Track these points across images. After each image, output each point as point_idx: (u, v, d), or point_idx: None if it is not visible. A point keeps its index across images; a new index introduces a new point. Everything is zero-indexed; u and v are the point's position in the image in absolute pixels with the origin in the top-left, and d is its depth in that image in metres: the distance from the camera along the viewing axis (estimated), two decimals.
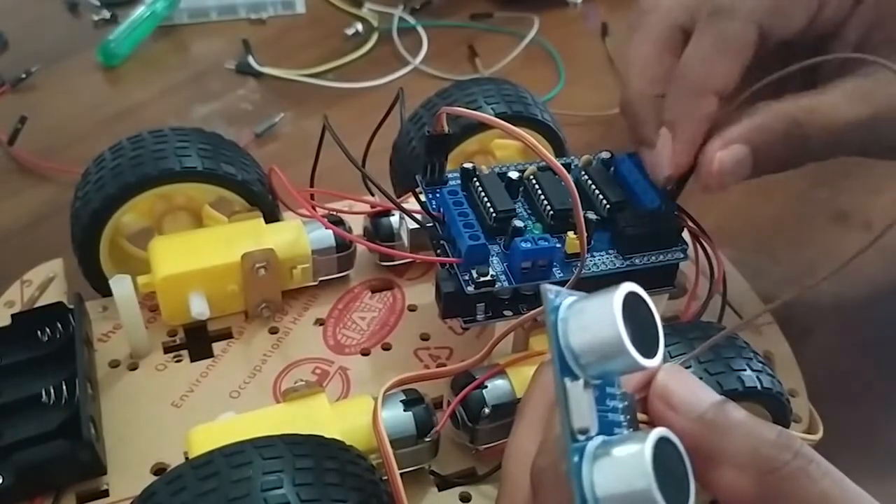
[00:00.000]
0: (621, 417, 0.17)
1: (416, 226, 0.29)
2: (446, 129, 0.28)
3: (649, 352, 0.16)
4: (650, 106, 0.28)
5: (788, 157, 0.27)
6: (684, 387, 0.18)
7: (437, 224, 0.28)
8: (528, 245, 0.26)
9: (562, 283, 0.25)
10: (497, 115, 0.31)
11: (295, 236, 0.31)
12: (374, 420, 0.24)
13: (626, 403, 0.17)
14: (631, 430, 0.17)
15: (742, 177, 0.27)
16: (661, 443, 0.16)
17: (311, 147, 0.33)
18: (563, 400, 0.16)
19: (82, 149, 0.38)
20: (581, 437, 0.16)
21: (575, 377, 0.16)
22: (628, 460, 0.16)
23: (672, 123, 0.27)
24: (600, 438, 0.16)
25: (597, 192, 0.29)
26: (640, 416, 0.18)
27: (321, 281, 0.32)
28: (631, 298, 0.16)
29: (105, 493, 0.26)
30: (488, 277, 0.26)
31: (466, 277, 0.26)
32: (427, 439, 0.25)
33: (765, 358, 0.27)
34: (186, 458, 0.23)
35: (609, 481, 0.16)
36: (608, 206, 0.28)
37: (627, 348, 0.16)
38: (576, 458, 0.16)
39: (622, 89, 0.29)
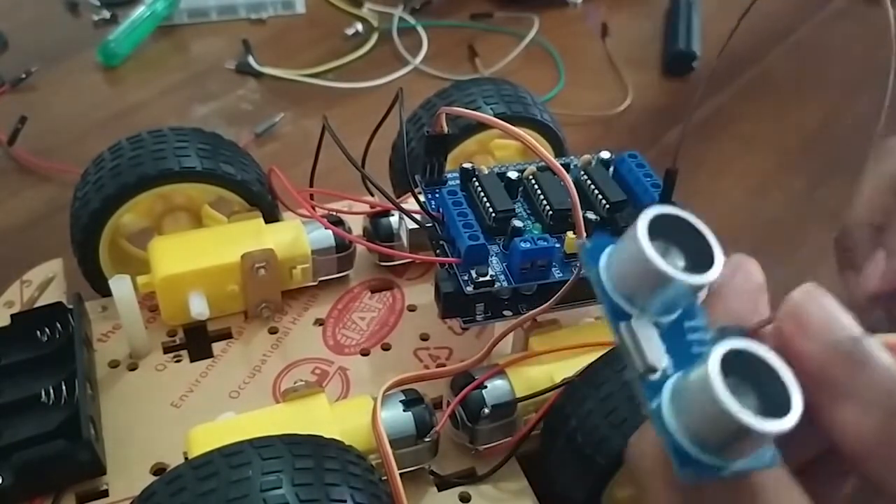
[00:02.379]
0: (699, 348, 0.16)
1: (416, 226, 0.29)
2: (446, 129, 0.28)
3: (700, 266, 0.15)
4: (867, 234, 0.30)
5: None
6: (822, 309, 0.16)
7: (436, 224, 0.28)
8: (528, 245, 0.26)
9: (561, 283, 0.26)
10: (496, 116, 0.31)
11: (294, 236, 0.31)
12: (373, 420, 0.24)
13: (709, 336, 0.16)
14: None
15: None
16: (734, 355, 0.14)
17: (311, 147, 0.33)
18: (622, 344, 0.15)
19: (82, 149, 0.38)
20: (653, 377, 0.15)
21: (627, 317, 0.15)
22: (697, 384, 0.14)
23: (892, 249, 0.28)
24: (680, 373, 0.15)
25: (596, 192, 0.29)
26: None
27: (321, 281, 0.32)
28: (661, 220, 0.15)
29: (105, 494, 0.26)
30: (487, 277, 0.26)
31: (466, 277, 0.26)
32: (427, 439, 0.25)
33: None
34: (186, 459, 0.23)
35: (687, 413, 0.14)
36: (607, 206, 0.28)
37: (659, 267, 0.14)
38: (652, 399, 0.15)
39: (844, 218, 0.31)
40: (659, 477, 0.16)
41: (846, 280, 0.29)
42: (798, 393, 0.14)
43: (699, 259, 0.15)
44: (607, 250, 0.16)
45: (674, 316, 0.16)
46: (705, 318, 0.16)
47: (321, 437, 0.22)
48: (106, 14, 0.56)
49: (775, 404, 0.14)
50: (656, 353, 0.15)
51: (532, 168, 0.30)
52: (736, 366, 0.14)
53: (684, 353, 0.15)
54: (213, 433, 0.24)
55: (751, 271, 0.18)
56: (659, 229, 0.15)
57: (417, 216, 0.28)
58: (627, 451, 0.17)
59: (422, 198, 0.28)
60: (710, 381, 0.14)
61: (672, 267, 0.14)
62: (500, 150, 0.35)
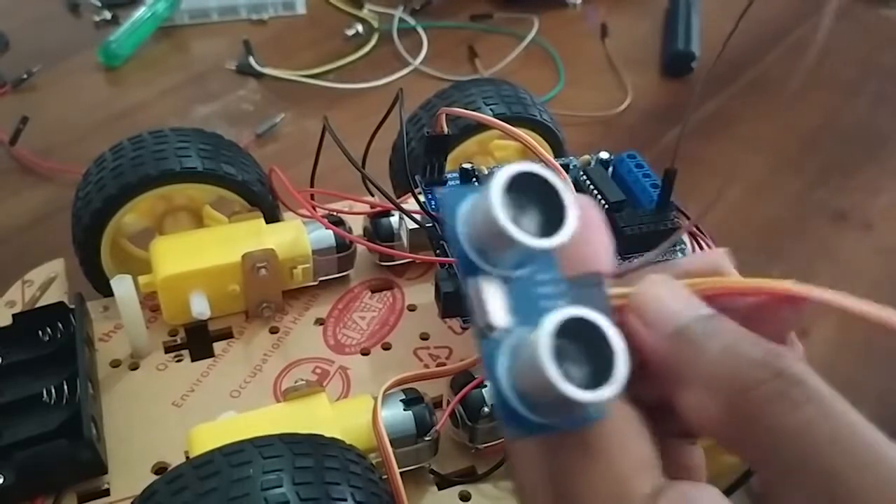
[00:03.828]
0: (558, 305, 0.16)
1: (416, 226, 0.29)
2: (446, 129, 0.28)
3: (554, 225, 0.15)
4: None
5: None
6: (666, 298, 0.16)
7: (436, 224, 0.28)
8: None
9: None
10: (496, 116, 0.31)
11: (295, 236, 0.31)
12: (373, 419, 0.24)
13: (562, 289, 0.16)
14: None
15: None
16: (572, 321, 0.14)
17: (312, 147, 0.33)
18: (468, 299, 0.15)
19: (83, 149, 0.39)
20: (493, 335, 0.15)
21: (475, 273, 0.15)
22: (528, 349, 0.14)
23: None
24: (525, 330, 0.15)
25: (595, 192, 0.29)
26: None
27: (321, 281, 0.32)
28: (521, 178, 0.15)
29: (106, 493, 0.26)
30: None
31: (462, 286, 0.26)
32: (427, 438, 0.25)
33: None
34: (187, 458, 0.23)
35: (517, 374, 0.15)
36: (606, 206, 0.28)
37: (505, 229, 0.14)
38: (490, 356, 0.15)
39: None
40: (522, 449, 0.16)
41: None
42: (624, 362, 0.14)
43: (555, 218, 0.15)
44: (465, 202, 0.16)
45: (526, 270, 0.16)
46: (558, 272, 0.16)
47: (322, 436, 0.22)
48: (107, 14, 0.56)
49: (606, 369, 0.14)
50: (498, 311, 0.15)
51: None
52: (573, 329, 0.14)
53: (532, 309, 0.15)
54: (214, 432, 0.24)
55: (594, 218, 0.17)
56: (518, 186, 0.15)
57: (417, 216, 0.28)
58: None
59: (422, 198, 0.29)
60: (537, 348, 0.14)
61: (522, 228, 0.14)
62: (499, 150, 0.35)
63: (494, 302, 0.15)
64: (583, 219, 0.16)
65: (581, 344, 0.15)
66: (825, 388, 0.14)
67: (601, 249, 0.17)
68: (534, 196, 0.15)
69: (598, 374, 0.14)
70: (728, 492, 0.25)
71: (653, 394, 0.16)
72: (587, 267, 0.17)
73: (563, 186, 0.15)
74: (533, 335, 0.14)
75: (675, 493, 0.15)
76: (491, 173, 0.17)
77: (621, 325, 0.16)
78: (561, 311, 0.14)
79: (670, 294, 0.16)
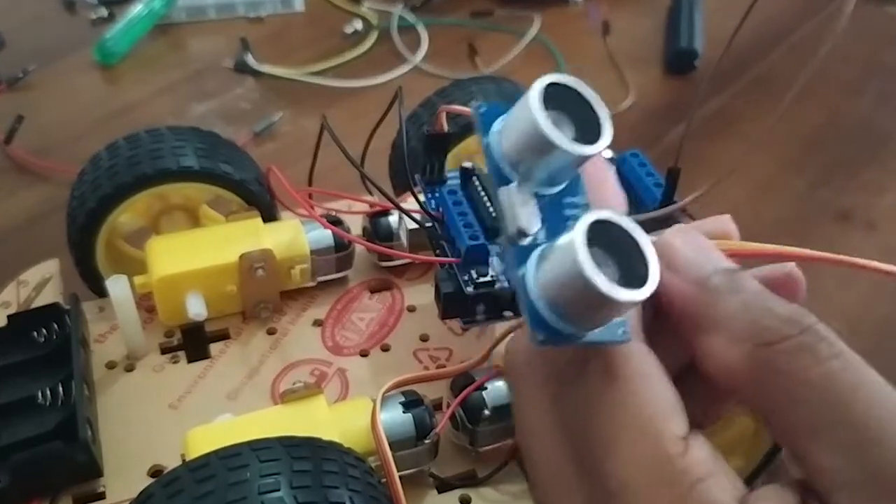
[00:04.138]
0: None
1: (416, 226, 0.29)
2: (446, 127, 0.27)
3: (587, 137, 0.15)
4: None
5: None
6: (691, 247, 0.16)
7: (436, 224, 0.28)
8: None
9: None
10: None
11: (293, 236, 0.31)
12: (372, 422, 0.24)
13: (580, 210, 0.16)
14: None
15: None
16: (601, 226, 0.14)
17: (310, 146, 0.33)
18: (499, 207, 0.16)
19: (79, 148, 0.38)
20: (524, 241, 0.15)
21: (508, 183, 0.16)
22: (561, 250, 0.14)
23: None
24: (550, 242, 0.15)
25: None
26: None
27: (319, 281, 0.32)
28: (556, 89, 0.15)
29: (102, 496, 0.25)
30: (488, 278, 0.26)
31: (466, 278, 0.26)
32: (426, 441, 0.25)
33: None
34: (183, 461, 0.23)
35: (547, 271, 0.15)
36: None
37: (545, 132, 0.14)
38: (519, 265, 0.15)
39: None
40: (527, 378, 0.16)
41: None
42: (656, 266, 0.14)
43: (589, 133, 0.15)
44: (501, 118, 0.16)
45: (556, 189, 0.16)
46: (586, 196, 0.16)
47: (320, 439, 0.21)
48: (103, 12, 0.56)
49: (635, 276, 0.14)
50: (530, 219, 0.15)
51: None
52: (602, 237, 0.14)
53: (559, 226, 0.16)
54: (211, 435, 0.23)
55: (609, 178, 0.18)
56: (553, 99, 0.15)
57: (417, 216, 0.28)
58: (504, 356, 0.17)
59: (421, 197, 0.28)
60: (573, 245, 0.14)
61: (560, 136, 0.14)
62: None
63: (527, 210, 0.15)
64: (599, 167, 0.16)
65: (610, 250, 0.14)
66: (846, 346, 0.14)
67: (616, 196, 0.17)
68: (568, 110, 0.15)
69: (629, 281, 0.14)
70: (754, 476, 0.25)
71: (666, 359, 0.16)
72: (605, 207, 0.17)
73: (597, 100, 0.15)
74: (567, 236, 0.14)
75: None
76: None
77: None
78: (594, 212, 0.14)
79: (696, 243, 0.16)
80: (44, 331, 0.28)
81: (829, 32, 0.17)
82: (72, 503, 0.25)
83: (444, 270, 0.27)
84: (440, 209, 0.28)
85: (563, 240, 0.14)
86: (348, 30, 0.55)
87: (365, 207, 0.32)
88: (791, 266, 0.17)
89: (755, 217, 0.43)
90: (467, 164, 0.29)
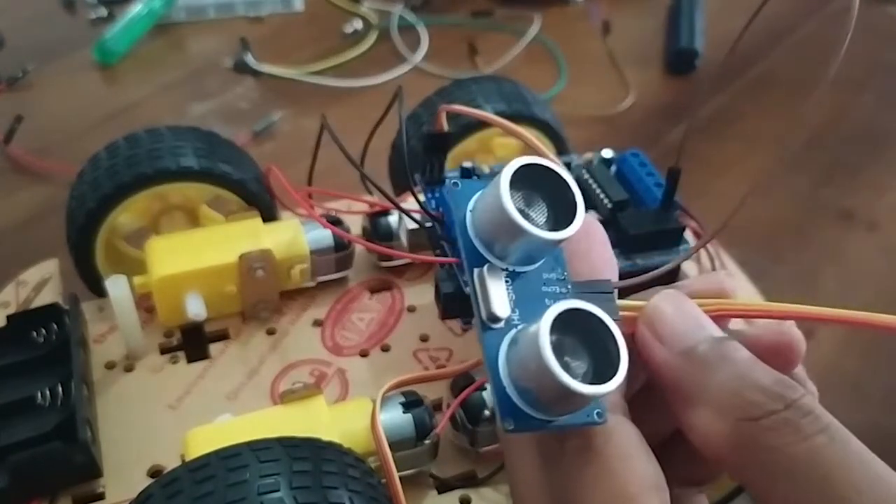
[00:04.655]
0: (552, 301, 0.16)
1: (415, 226, 0.29)
2: (446, 127, 0.27)
3: (561, 218, 0.15)
4: None
5: None
6: (679, 315, 0.16)
7: (436, 224, 0.28)
8: None
9: None
10: (497, 114, 0.31)
11: (293, 236, 0.30)
12: (372, 422, 0.23)
13: (568, 289, 0.16)
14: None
15: None
16: (571, 314, 0.14)
17: (310, 146, 0.32)
18: (472, 290, 0.15)
19: (78, 148, 0.38)
20: (497, 325, 0.15)
21: (481, 264, 0.15)
22: (529, 340, 0.14)
23: None
24: (522, 326, 0.15)
25: (598, 191, 0.29)
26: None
27: (319, 281, 0.32)
28: (530, 170, 0.15)
29: (101, 496, 0.25)
30: None
31: (466, 278, 0.26)
32: (426, 442, 0.24)
33: None
34: (183, 461, 0.23)
35: (516, 360, 0.14)
36: (610, 205, 0.28)
37: (511, 215, 0.14)
38: (490, 347, 0.15)
39: None
40: (514, 446, 0.16)
41: None
42: (626, 357, 0.14)
43: (564, 213, 0.15)
44: (476, 196, 0.16)
45: (534, 266, 0.16)
46: (566, 271, 0.16)
47: (319, 439, 0.21)
48: (103, 12, 0.56)
49: (608, 363, 0.14)
50: (501, 302, 0.15)
51: None
52: (574, 324, 0.14)
53: (537, 306, 0.15)
54: (211, 435, 0.23)
55: (598, 233, 0.18)
56: (526, 180, 0.15)
57: (417, 216, 0.28)
58: (497, 427, 0.17)
59: (421, 197, 0.28)
60: (538, 339, 0.14)
61: (530, 220, 0.14)
62: (501, 148, 0.35)
63: (498, 293, 0.15)
64: (586, 233, 0.16)
65: (583, 340, 0.14)
66: (833, 418, 0.14)
67: (605, 264, 0.17)
68: (542, 191, 0.15)
69: (600, 370, 0.14)
70: (734, 493, 0.25)
71: (658, 422, 0.16)
72: (593, 277, 0.17)
73: (571, 178, 0.15)
74: (534, 326, 0.14)
75: None
76: (496, 171, 0.17)
77: (630, 338, 0.16)
78: (563, 302, 0.14)
79: (684, 311, 0.16)
80: (43, 331, 0.28)
81: (840, 36, 0.16)
82: (71, 503, 0.25)
83: (444, 270, 0.27)
84: (440, 209, 0.28)
85: (531, 329, 0.14)
86: (348, 30, 0.55)
87: (365, 207, 0.32)
88: (789, 326, 0.17)
89: (757, 216, 0.43)
90: (467, 164, 0.29)
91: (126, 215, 0.30)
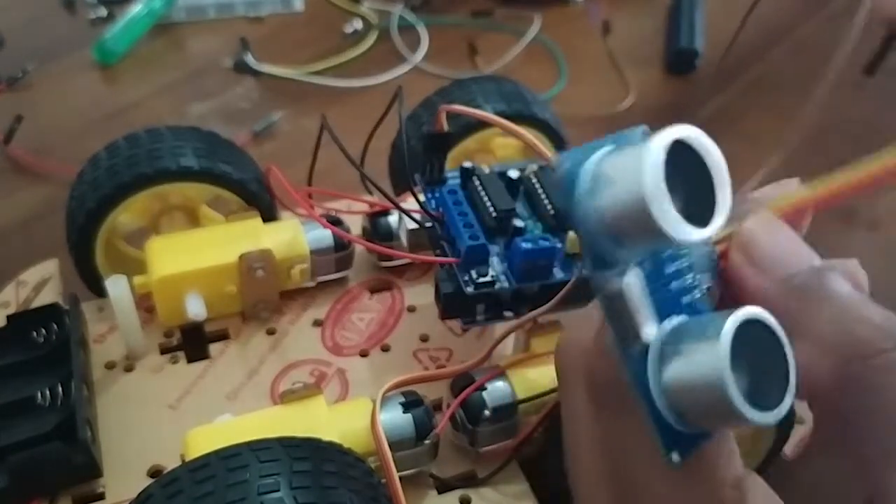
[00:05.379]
0: (695, 297, 0.13)
1: (416, 226, 0.29)
2: (446, 127, 0.27)
3: (698, 212, 0.12)
4: None
5: None
6: (776, 240, 0.15)
7: (436, 224, 0.28)
8: (529, 245, 0.25)
9: (562, 284, 0.25)
10: (497, 114, 0.31)
11: (293, 236, 0.30)
12: (372, 422, 0.23)
13: (695, 277, 0.13)
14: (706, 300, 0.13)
15: None
16: (747, 327, 0.12)
17: (310, 146, 0.32)
18: (608, 303, 0.13)
19: (78, 148, 0.38)
20: (639, 343, 0.13)
21: (606, 267, 0.12)
22: (700, 356, 0.12)
23: None
24: (669, 326, 0.13)
25: None
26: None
27: (319, 281, 0.32)
28: (678, 148, 0.11)
29: (101, 496, 0.25)
30: (488, 278, 0.26)
31: (466, 278, 0.26)
32: (426, 442, 0.24)
33: None
34: (183, 461, 0.23)
35: (674, 380, 0.12)
36: None
37: (660, 226, 0.11)
38: (637, 369, 0.13)
39: None
40: (572, 387, 0.15)
41: None
42: (794, 378, 0.13)
43: (699, 205, 0.12)
44: (585, 171, 0.12)
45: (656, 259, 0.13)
46: (688, 259, 0.14)
47: (319, 439, 0.21)
48: (102, 12, 0.56)
49: (771, 380, 0.13)
50: (648, 317, 0.13)
51: (533, 167, 0.29)
52: (744, 336, 0.12)
53: (670, 302, 0.13)
54: (211, 435, 0.23)
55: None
56: (670, 162, 0.12)
57: (417, 216, 0.28)
58: (556, 355, 0.16)
59: (421, 197, 0.28)
60: (719, 368, 0.12)
61: (674, 220, 0.11)
62: (500, 148, 0.35)
63: (643, 307, 0.13)
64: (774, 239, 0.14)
65: (750, 351, 0.13)
66: None
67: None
68: (681, 175, 0.12)
69: (762, 382, 0.13)
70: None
71: None
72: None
73: (721, 171, 0.12)
74: (707, 347, 0.12)
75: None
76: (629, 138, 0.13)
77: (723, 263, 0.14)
78: (737, 313, 0.12)
79: (781, 237, 0.15)
80: (43, 331, 0.28)
81: (844, 38, 0.16)
82: (71, 503, 0.25)
83: (444, 270, 0.27)
84: (440, 209, 0.28)
85: (699, 349, 0.12)
86: (348, 29, 0.55)
87: (365, 207, 0.32)
88: (794, 182, 0.16)
89: None
90: (467, 164, 0.29)
91: (126, 215, 0.30)
